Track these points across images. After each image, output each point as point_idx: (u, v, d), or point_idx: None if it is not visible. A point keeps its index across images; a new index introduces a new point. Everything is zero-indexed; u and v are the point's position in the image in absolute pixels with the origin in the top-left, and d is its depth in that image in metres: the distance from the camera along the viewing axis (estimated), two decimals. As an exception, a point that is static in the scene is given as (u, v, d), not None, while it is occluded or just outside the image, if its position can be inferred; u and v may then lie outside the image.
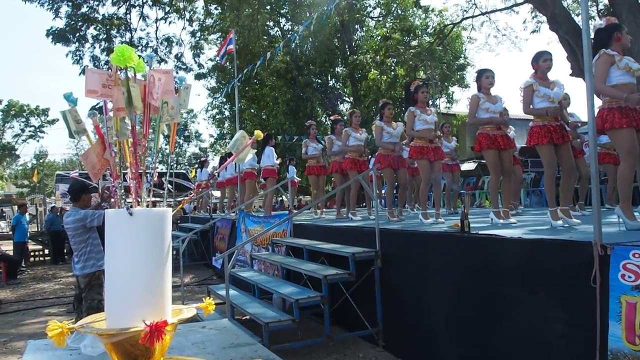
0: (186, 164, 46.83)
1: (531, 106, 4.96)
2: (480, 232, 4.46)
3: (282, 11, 24.16)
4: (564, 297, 3.33)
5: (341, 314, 5.97)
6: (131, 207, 1.40)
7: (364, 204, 9.98)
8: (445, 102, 24.59)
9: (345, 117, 10.67)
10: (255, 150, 10.11)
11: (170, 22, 21.22)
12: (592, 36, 4.84)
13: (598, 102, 4.28)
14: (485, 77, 5.61)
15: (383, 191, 9.09)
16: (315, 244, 6.58)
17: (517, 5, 17.96)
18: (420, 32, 22.54)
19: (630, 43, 12.59)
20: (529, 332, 3.57)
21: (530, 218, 6.37)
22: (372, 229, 5.63)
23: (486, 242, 4.17)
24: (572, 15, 14.96)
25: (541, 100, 4.91)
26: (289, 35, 19.99)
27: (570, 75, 14.23)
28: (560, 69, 34.33)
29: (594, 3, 15.77)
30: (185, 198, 6.03)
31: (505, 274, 3.84)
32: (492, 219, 5.37)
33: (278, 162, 10.54)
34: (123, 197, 1.44)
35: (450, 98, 24.59)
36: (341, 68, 24.58)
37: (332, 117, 9.91)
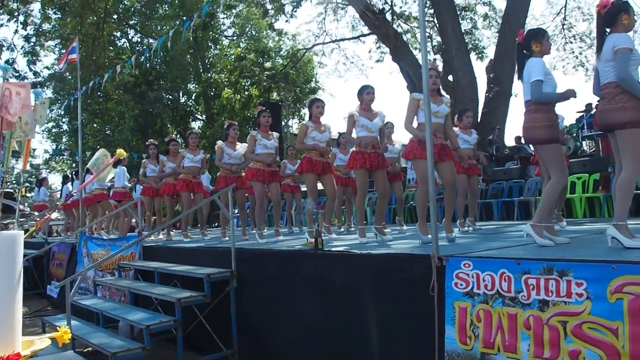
0: (14, 181, 41.94)
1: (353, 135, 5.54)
2: (332, 249, 4.69)
3: (130, 22, 23.14)
4: (408, 306, 3.64)
5: (195, 338, 5.81)
6: (-26, 229, 1.28)
7: (216, 224, 9.75)
8: (297, 123, 25.38)
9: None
10: (117, 170, 9.53)
11: (0, 24, 19.17)
12: (437, 68, 5.42)
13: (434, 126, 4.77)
14: (315, 107, 6.13)
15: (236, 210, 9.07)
16: (168, 266, 6.35)
17: (363, 35, 19.31)
18: (274, 54, 23.09)
19: (458, 77, 14.09)
20: (379, 341, 3.82)
21: (408, 234, 6.68)
22: (227, 249, 5.61)
23: (339, 258, 4.39)
24: (412, 49, 16.46)
25: (361, 130, 5.43)
26: (138, 48, 19.20)
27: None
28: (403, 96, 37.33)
29: (429, 39, 17.49)
30: (39, 220, 5.48)
31: (357, 288, 4.07)
32: (375, 234, 5.45)
33: (130, 184, 10.05)
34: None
35: (302, 119, 25.44)
36: (194, 85, 24.17)
37: (166, 138, 9.74)
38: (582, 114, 12.66)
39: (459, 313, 3.38)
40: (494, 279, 3.24)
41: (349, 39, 20.26)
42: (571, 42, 18.01)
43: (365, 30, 18.30)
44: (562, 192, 5.44)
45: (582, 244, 4.03)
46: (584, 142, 12.61)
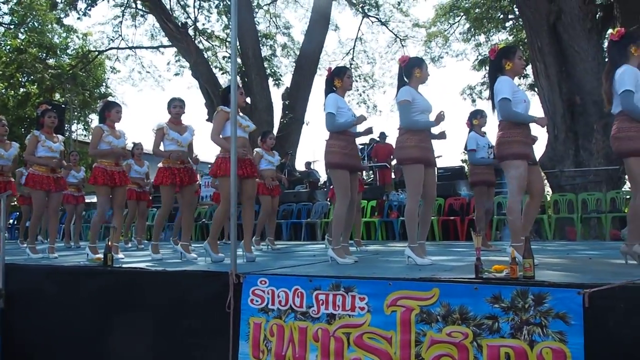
0: None
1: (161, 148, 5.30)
2: (124, 265, 4.44)
3: None
4: (204, 323, 3.62)
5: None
6: None
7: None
8: (83, 129, 23.36)
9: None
10: None
11: None
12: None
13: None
14: (115, 111, 5.66)
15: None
16: None
17: (163, 46, 18.72)
18: (60, 52, 20.97)
19: (256, 100, 14.42)
20: (173, 356, 3.71)
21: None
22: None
23: (132, 275, 4.17)
24: (212, 67, 16.51)
25: (170, 143, 5.29)
26: None
27: (207, 120, 15.59)
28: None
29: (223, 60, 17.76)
30: None
31: (152, 305, 3.91)
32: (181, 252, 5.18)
33: None
34: None
35: (88, 126, 23.41)
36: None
37: None
38: (362, 146, 14.08)
39: (253, 329, 3.48)
40: (288, 295, 3.43)
41: (147, 47, 19.45)
42: (357, 81, 20.00)
43: (166, 41, 17.81)
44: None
45: (366, 263, 4.49)
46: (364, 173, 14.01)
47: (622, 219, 8.33)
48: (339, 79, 4.55)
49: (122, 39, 18.96)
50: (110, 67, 21.91)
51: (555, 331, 2.63)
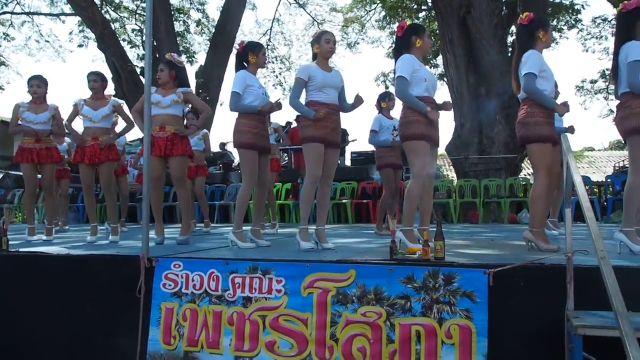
0: None
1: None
2: (21, 249, 4.12)
3: None
4: (113, 308, 3.45)
5: None
6: None
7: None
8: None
9: None
10: None
11: None
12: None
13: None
14: (30, 86, 5.26)
15: None
16: None
17: (65, 14, 17.44)
18: None
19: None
20: (76, 345, 3.51)
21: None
22: None
23: (29, 259, 3.87)
24: (120, 40, 15.64)
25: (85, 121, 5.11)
26: None
27: (113, 96, 14.78)
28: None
29: (140, 34, 16.91)
30: None
31: (53, 290, 3.66)
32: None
33: None
34: None
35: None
36: None
37: None
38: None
39: (165, 314, 3.37)
40: (203, 279, 3.35)
41: (46, 14, 17.97)
42: (273, 62, 19.78)
43: (68, 9, 16.58)
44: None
45: (281, 246, 4.48)
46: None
47: (519, 203, 8.97)
48: (253, 55, 4.38)
49: (18, 3, 17.42)
50: (3, 34, 20.08)
51: (462, 309, 2.78)
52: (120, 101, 5.25)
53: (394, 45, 3.93)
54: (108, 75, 14.74)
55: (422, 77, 3.84)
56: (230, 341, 3.20)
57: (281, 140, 7.10)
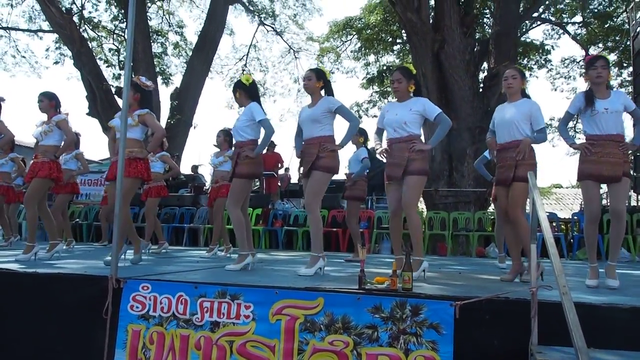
0: None
1: None
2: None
3: None
4: (78, 329, 3.39)
5: None
6: None
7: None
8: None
9: None
10: None
11: None
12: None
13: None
14: None
15: None
16: None
17: (42, 31, 17.28)
18: None
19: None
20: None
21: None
22: None
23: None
24: (97, 60, 15.55)
25: None
26: None
27: (87, 114, 14.65)
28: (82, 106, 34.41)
29: (117, 53, 16.83)
30: None
31: (14, 309, 3.58)
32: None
33: None
34: None
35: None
36: None
37: None
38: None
39: (131, 336, 3.33)
40: (171, 302, 3.33)
41: (24, 30, 17.80)
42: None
43: (46, 26, 16.45)
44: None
45: (249, 272, 4.46)
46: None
47: (487, 237, 9.13)
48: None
49: (-2, 18, 17.22)
50: (-21, 48, 19.76)
51: (428, 340, 2.83)
52: (64, 116, 5.14)
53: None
54: (83, 93, 14.67)
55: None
56: (196, 366, 3.18)
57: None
